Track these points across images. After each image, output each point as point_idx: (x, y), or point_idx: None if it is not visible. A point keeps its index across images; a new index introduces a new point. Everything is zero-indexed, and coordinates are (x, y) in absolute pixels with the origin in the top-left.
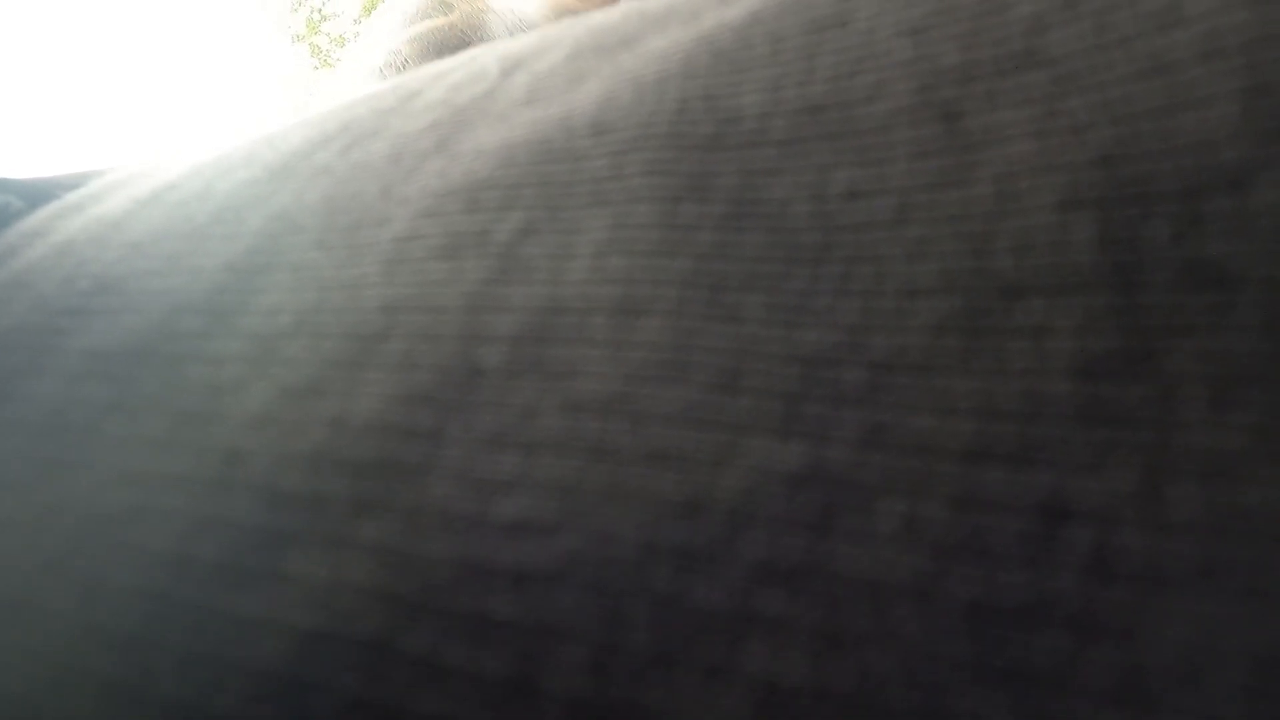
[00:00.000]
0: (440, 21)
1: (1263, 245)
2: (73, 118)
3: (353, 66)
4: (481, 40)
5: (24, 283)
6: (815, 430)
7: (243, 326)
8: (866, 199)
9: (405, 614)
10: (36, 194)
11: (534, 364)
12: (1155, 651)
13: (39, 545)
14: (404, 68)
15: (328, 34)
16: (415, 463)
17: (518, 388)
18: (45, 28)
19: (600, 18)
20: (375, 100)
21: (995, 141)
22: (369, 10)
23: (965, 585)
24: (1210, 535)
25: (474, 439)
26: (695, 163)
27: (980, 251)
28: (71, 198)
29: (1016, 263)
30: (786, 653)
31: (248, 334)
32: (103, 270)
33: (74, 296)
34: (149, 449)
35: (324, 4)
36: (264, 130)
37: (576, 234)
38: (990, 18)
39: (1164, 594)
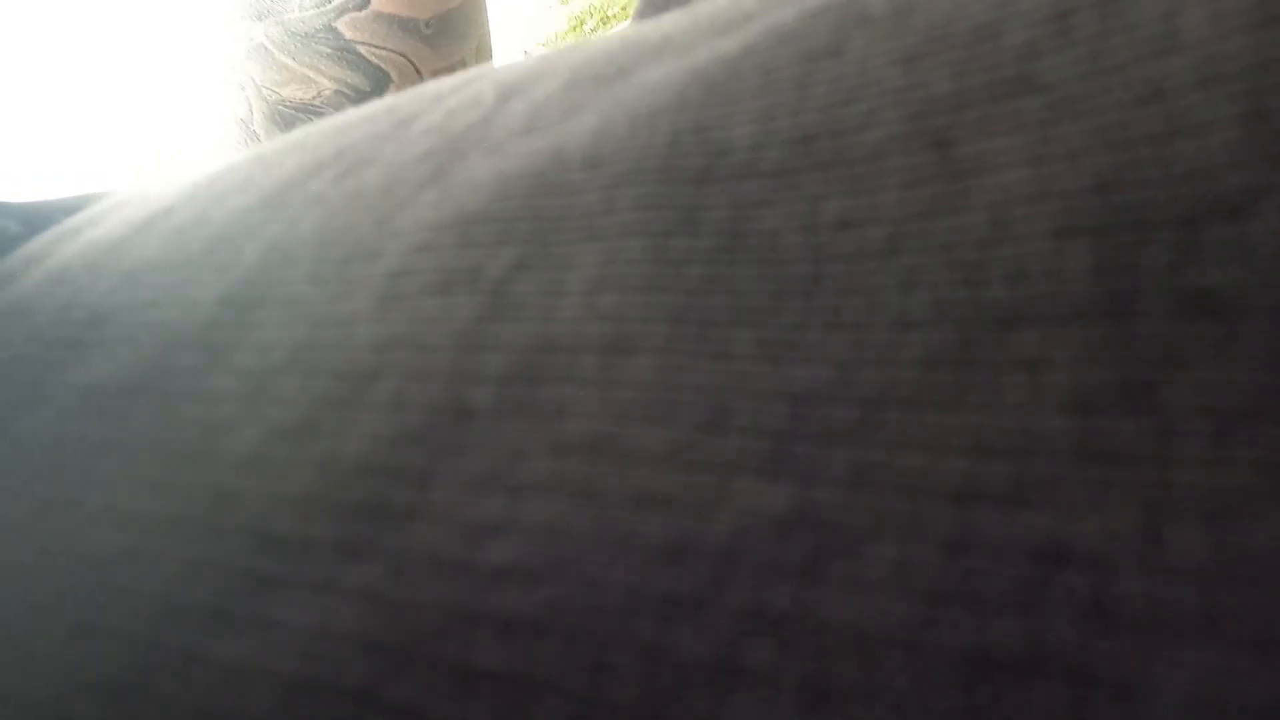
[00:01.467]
0: (459, 77)
1: (1264, 274)
2: (68, 127)
3: None
4: None
5: (21, 311)
6: (804, 470)
7: (236, 364)
8: (858, 229)
9: (390, 663)
10: (35, 218)
11: (523, 404)
12: (1157, 706)
13: (31, 587)
14: None
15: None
16: (404, 506)
17: (507, 429)
18: (38, 33)
19: (597, 46)
20: (370, 124)
21: (988, 169)
22: None
23: (958, 634)
24: (1214, 580)
25: (462, 482)
26: (686, 196)
27: (973, 281)
28: (70, 222)
29: (1010, 292)
30: (773, 707)
31: (241, 371)
32: (98, 300)
33: (69, 327)
34: (142, 489)
35: None
36: (258, 151)
37: (568, 270)
38: (983, 45)
39: (1165, 644)
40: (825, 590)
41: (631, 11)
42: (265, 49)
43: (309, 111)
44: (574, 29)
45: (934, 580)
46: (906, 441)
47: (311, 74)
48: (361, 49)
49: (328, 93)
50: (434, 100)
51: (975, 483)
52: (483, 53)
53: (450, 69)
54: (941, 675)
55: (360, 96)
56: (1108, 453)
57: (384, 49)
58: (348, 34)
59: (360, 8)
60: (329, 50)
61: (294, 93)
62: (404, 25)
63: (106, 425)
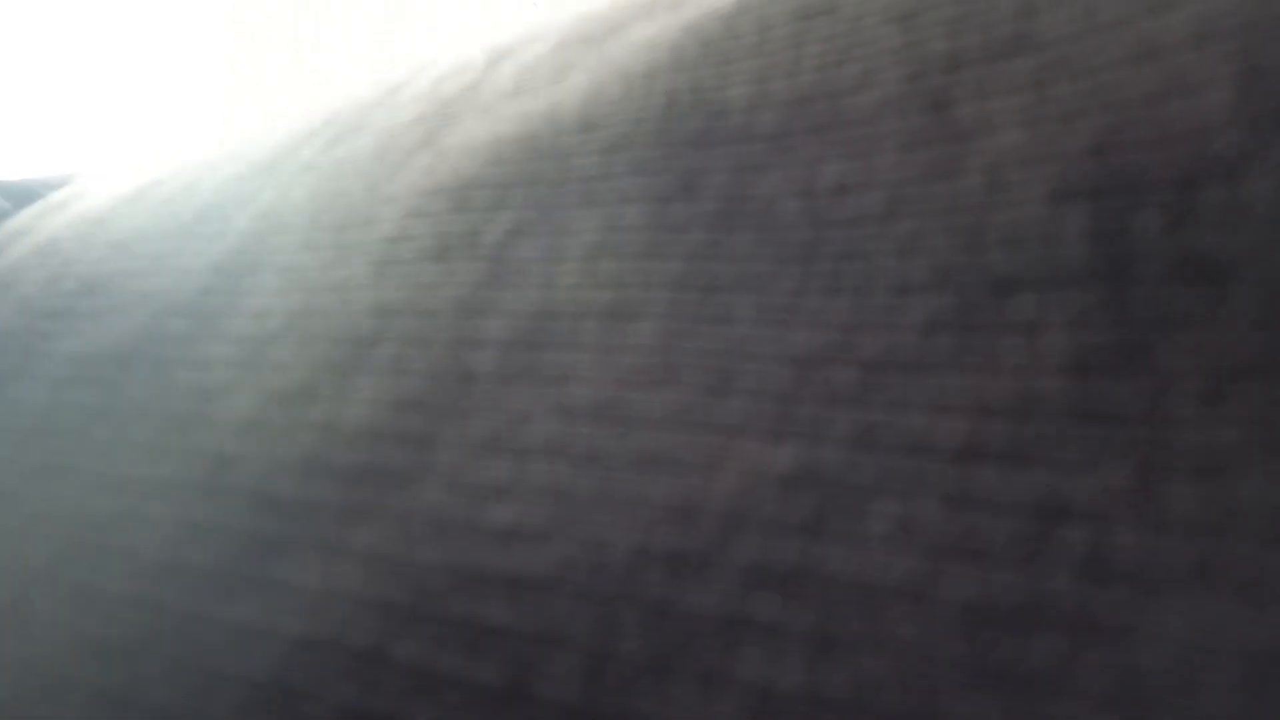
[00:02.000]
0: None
1: (1256, 236)
2: (62, 113)
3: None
4: None
5: (9, 283)
6: (807, 431)
7: (230, 330)
8: (856, 193)
9: (398, 621)
10: (22, 194)
11: (526, 369)
12: (1151, 653)
13: (29, 553)
14: None
15: None
16: (407, 469)
17: (510, 393)
18: (35, 24)
19: (585, 7)
20: (360, 93)
21: (985, 131)
22: None
23: (959, 587)
24: (1205, 533)
25: (466, 445)
26: (684, 160)
27: (971, 245)
28: (56, 195)
29: (1008, 256)
30: (781, 658)
31: (236, 337)
32: (87, 270)
33: (59, 298)
34: (137, 454)
35: None
36: (247, 124)
37: (567, 235)
38: (979, 2)
39: (1160, 594)
40: (830, 545)
41: None
42: None
43: None
44: None
45: (936, 535)
46: (908, 402)
47: None
48: None
49: None
50: (421, 68)
51: (975, 442)
52: None
53: None
54: (944, 626)
55: None
56: (1104, 412)
57: None
58: None
59: None
60: None
61: None
62: None
63: (99, 392)
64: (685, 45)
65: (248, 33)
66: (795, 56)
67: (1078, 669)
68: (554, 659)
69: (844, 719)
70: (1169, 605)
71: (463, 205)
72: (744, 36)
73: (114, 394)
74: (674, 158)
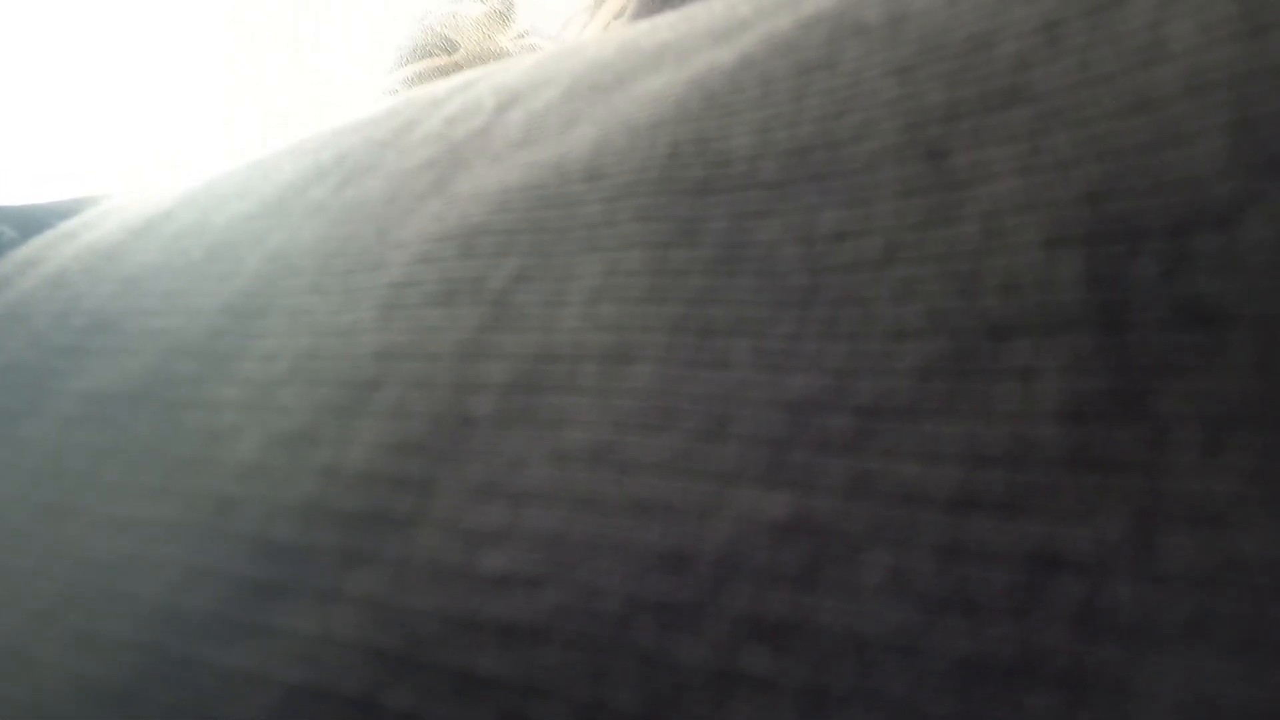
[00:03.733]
0: (441, 61)
1: (1253, 282)
2: (64, 129)
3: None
4: None
5: (18, 316)
6: (801, 479)
7: (238, 372)
8: (854, 239)
9: (390, 669)
10: (30, 222)
11: (524, 413)
12: (1148, 710)
13: (32, 593)
14: None
15: None
16: (405, 513)
17: (508, 437)
18: (33, 34)
19: (594, 52)
20: (370, 129)
21: (981, 179)
22: None
23: (952, 640)
24: (1205, 587)
25: (464, 489)
26: (686, 207)
27: (967, 291)
28: (65, 225)
29: (1003, 302)
30: (771, 712)
31: (243, 380)
32: (98, 306)
33: (70, 334)
34: (143, 496)
35: None
36: (257, 156)
37: (569, 280)
38: (975, 55)
39: (1157, 649)
40: (822, 597)
41: None
42: None
43: None
44: None
45: (929, 587)
46: (902, 450)
47: None
48: None
49: None
50: (433, 105)
51: (969, 490)
52: None
53: None
54: (937, 680)
55: None
56: (1100, 460)
57: None
58: None
59: None
60: None
61: None
62: None
63: (108, 432)
64: (690, 98)
65: (248, 33)
66: (796, 108)
67: None
68: (544, 710)
69: None
70: (1166, 660)
71: (469, 252)
72: (747, 90)
73: (123, 434)
74: (676, 205)
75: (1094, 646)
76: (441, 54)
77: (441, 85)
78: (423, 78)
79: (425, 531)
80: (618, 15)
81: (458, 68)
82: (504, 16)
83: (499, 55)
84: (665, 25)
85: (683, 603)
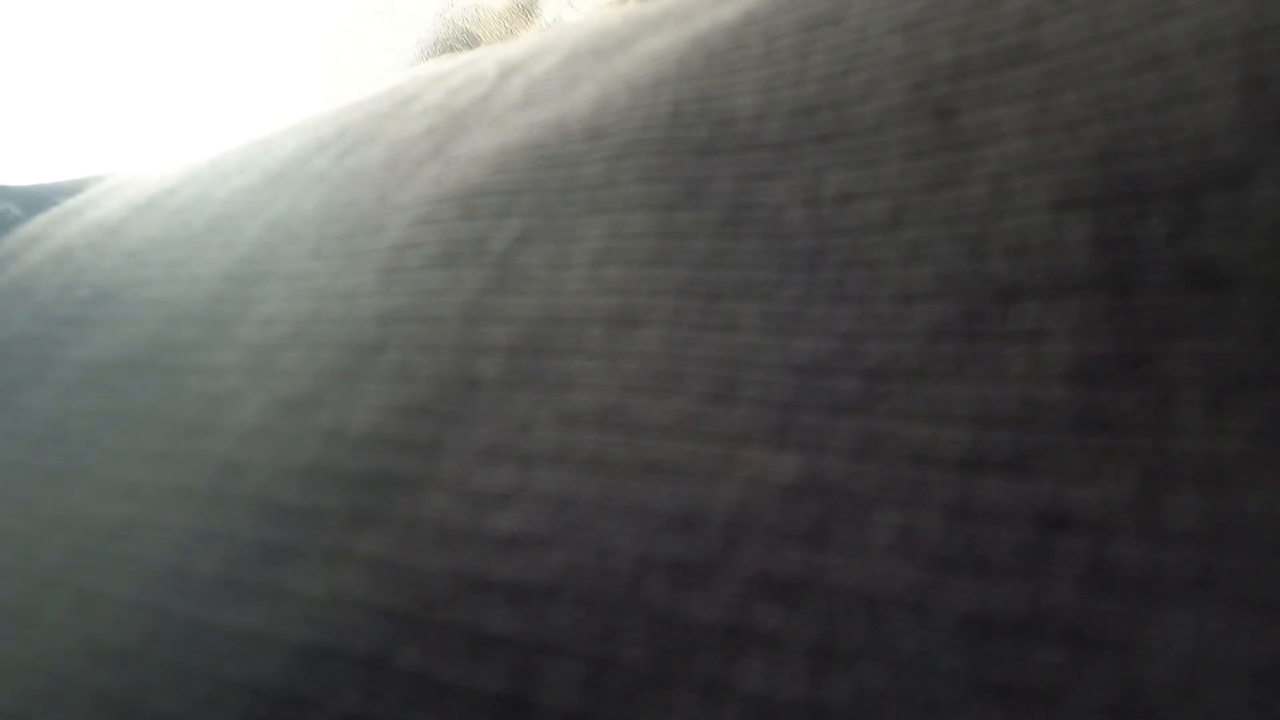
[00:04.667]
0: (463, 57)
1: (1260, 244)
2: (71, 118)
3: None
4: None
5: (24, 290)
6: (811, 440)
7: (240, 337)
8: (861, 201)
9: (401, 629)
10: (35, 200)
11: (531, 376)
12: (1154, 665)
13: (37, 557)
14: None
15: None
16: (412, 475)
17: (514, 400)
18: (38, 27)
19: (597, 21)
20: (371, 104)
21: (989, 139)
22: None
23: (961, 598)
24: (1209, 544)
25: (471, 451)
26: (690, 168)
27: (976, 254)
28: (69, 202)
29: (1012, 265)
30: (782, 668)
31: (245, 345)
32: (101, 279)
33: (73, 305)
34: (147, 461)
35: None
36: (260, 134)
37: (573, 243)
38: (983, 11)
39: (1162, 605)
40: (832, 555)
41: None
42: None
43: None
44: None
45: (938, 545)
46: (911, 411)
47: None
48: None
49: None
50: (435, 79)
51: (978, 451)
52: None
53: None
54: (945, 637)
55: None
56: (1107, 421)
57: None
58: None
59: None
60: None
61: None
62: None
63: (110, 399)
64: (691, 56)
65: (246, 32)
66: (801, 66)
67: (1079, 681)
68: (556, 667)
69: None
70: (1172, 617)
71: (470, 213)
72: (750, 47)
73: (125, 401)
74: (680, 165)
75: (1100, 603)
76: (463, 49)
77: (446, 62)
78: None
79: (433, 493)
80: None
81: None
82: (527, 10)
83: None
84: None
85: (694, 562)
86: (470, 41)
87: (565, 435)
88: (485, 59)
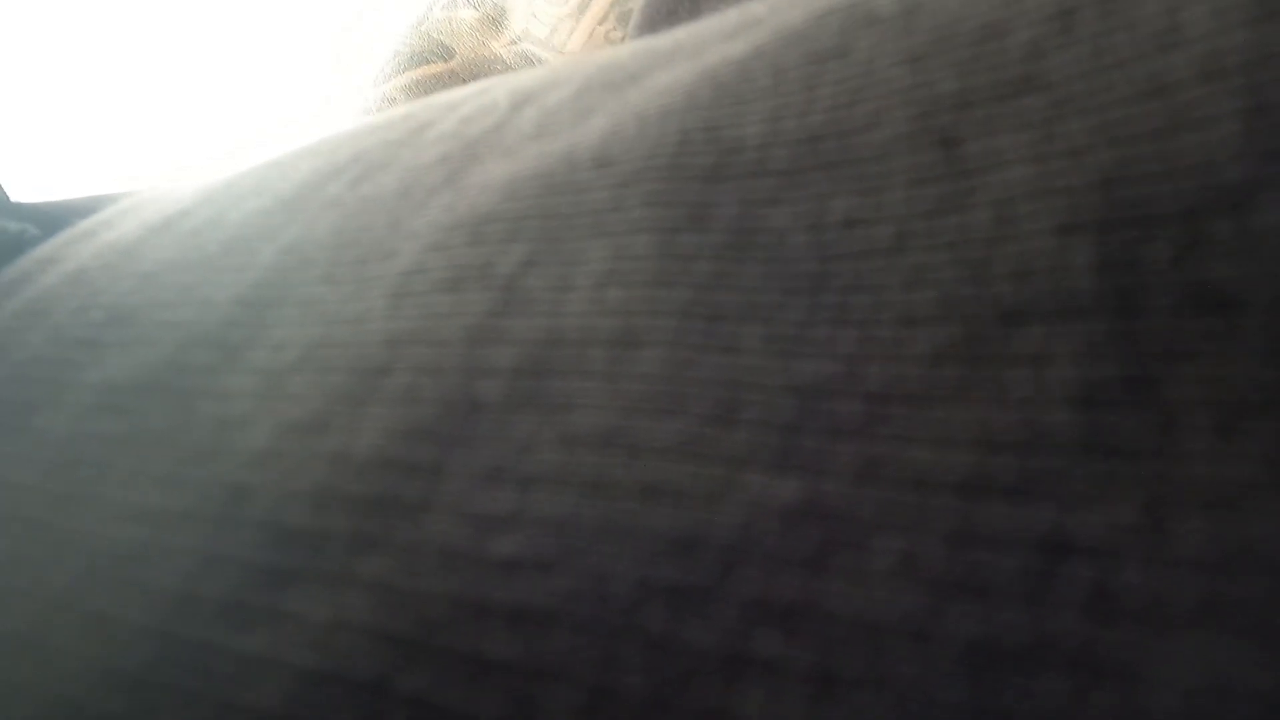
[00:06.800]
0: (438, 68)
1: (1266, 267)
2: (82, 130)
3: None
4: None
5: (39, 311)
6: (811, 464)
7: (251, 361)
8: (864, 227)
9: (401, 653)
10: (51, 220)
11: (532, 397)
12: (1159, 695)
13: (48, 581)
14: None
15: None
16: (415, 498)
17: (516, 421)
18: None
19: (610, 55)
20: (386, 131)
21: (993, 166)
22: None
23: (963, 625)
24: (1216, 571)
25: (472, 474)
26: (695, 193)
27: (979, 278)
28: (84, 224)
29: (1015, 289)
30: (781, 696)
31: (255, 369)
32: (115, 301)
33: (87, 328)
34: (158, 485)
35: None
36: (274, 156)
37: (577, 265)
38: (988, 44)
39: (1168, 633)
40: (833, 581)
41: None
42: None
43: None
44: None
45: (940, 572)
46: (913, 435)
47: None
48: None
49: None
50: (449, 108)
51: (981, 476)
52: None
53: None
54: (947, 665)
55: None
56: (1112, 446)
57: None
58: None
59: None
60: None
61: None
62: None
63: (123, 422)
64: (700, 88)
65: (246, 32)
66: (808, 97)
67: (1083, 711)
68: (554, 694)
69: None
70: (1178, 645)
71: (477, 239)
72: (758, 80)
73: (137, 424)
74: (685, 191)
75: (1105, 631)
76: (438, 60)
77: (459, 91)
78: (420, 84)
79: (435, 516)
80: (600, 21)
81: (454, 74)
82: (497, 22)
83: (493, 62)
84: (680, 30)
85: (692, 587)
86: (445, 54)
87: (566, 457)
88: (497, 88)
